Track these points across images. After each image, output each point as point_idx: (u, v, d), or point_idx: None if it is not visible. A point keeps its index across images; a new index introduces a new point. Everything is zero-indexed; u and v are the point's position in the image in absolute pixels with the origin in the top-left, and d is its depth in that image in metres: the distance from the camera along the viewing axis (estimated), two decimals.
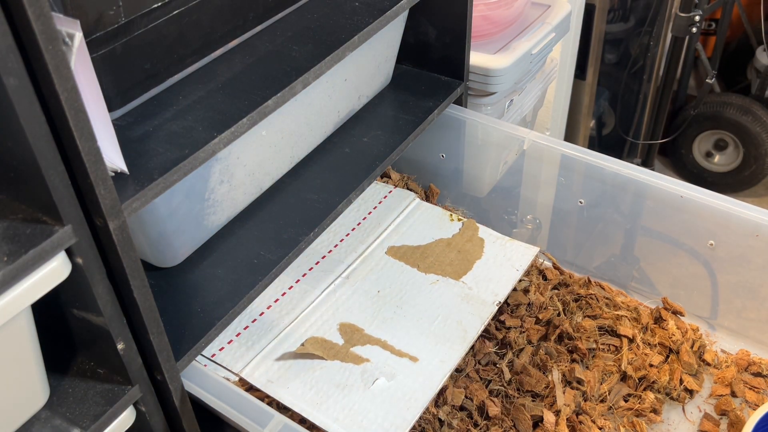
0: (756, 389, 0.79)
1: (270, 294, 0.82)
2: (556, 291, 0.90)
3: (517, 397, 0.76)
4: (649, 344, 0.83)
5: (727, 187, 2.05)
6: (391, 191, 0.98)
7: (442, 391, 0.76)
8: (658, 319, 0.86)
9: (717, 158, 2.08)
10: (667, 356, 0.82)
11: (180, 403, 0.62)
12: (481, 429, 0.74)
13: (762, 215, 0.76)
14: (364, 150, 0.84)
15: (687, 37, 1.74)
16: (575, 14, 1.39)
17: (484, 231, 0.92)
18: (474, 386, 0.77)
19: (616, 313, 0.86)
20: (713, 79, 1.90)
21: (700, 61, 1.92)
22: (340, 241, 0.90)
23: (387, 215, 0.94)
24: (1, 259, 0.44)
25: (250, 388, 0.73)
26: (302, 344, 0.76)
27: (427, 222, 0.94)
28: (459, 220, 0.94)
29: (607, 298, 0.89)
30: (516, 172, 0.94)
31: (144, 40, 0.58)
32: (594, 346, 0.82)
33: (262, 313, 0.80)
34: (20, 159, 0.44)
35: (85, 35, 0.51)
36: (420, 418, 0.73)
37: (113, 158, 0.50)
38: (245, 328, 0.78)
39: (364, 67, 0.85)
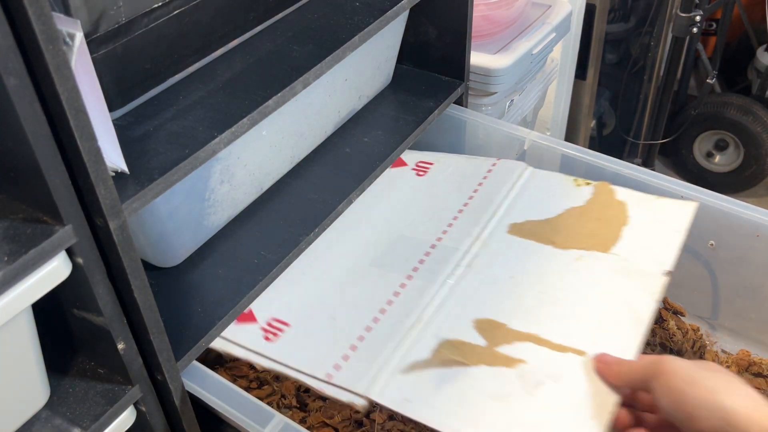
0: (757, 389, 0.79)
1: (380, 295, 0.71)
2: None
3: None
4: (650, 344, 0.83)
5: (728, 188, 2.05)
6: (495, 164, 0.85)
7: None
8: (659, 319, 0.86)
9: (717, 158, 2.08)
10: None
11: (180, 403, 0.62)
12: None
13: (763, 215, 0.76)
14: (365, 150, 0.84)
15: (687, 38, 1.74)
16: (576, 14, 1.39)
17: (622, 192, 0.77)
18: None
19: None
20: (714, 79, 1.90)
21: (701, 62, 1.92)
22: (448, 226, 0.78)
23: (497, 190, 0.81)
24: (2, 259, 0.44)
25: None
26: (436, 350, 0.63)
27: (548, 191, 0.80)
28: (587, 184, 0.80)
29: None
30: None
31: (144, 40, 0.58)
32: None
33: (377, 319, 0.68)
34: (20, 159, 0.44)
35: (86, 35, 0.51)
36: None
37: (113, 158, 0.50)
38: (360, 339, 0.66)
39: (364, 67, 0.85)
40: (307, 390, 0.78)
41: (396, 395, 0.60)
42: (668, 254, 0.69)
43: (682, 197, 0.80)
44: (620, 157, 0.84)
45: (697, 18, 1.69)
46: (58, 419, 0.56)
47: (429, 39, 0.93)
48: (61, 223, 0.46)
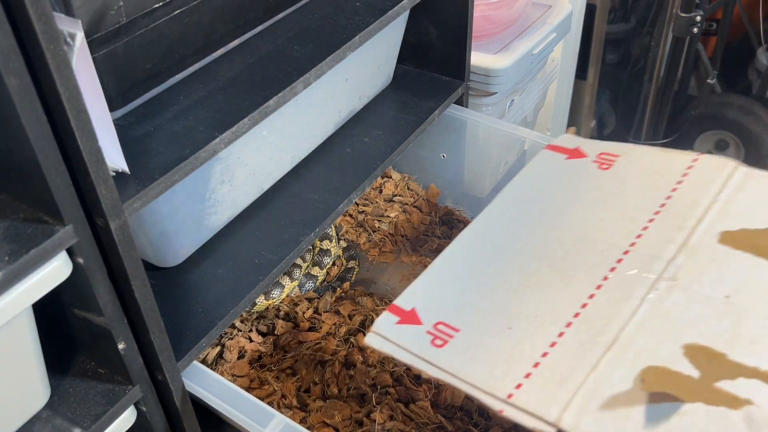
0: None
1: (564, 305, 0.62)
2: None
3: None
4: None
5: None
6: (696, 159, 0.75)
7: (439, 391, 0.76)
8: None
9: None
10: None
11: (181, 403, 0.62)
12: (481, 429, 0.74)
13: None
14: (365, 150, 0.84)
15: (688, 38, 1.74)
16: (576, 14, 1.39)
17: None
18: None
19: None
20: (714, 79, 1.90)
21: (701, 62, 1.92)
22: (643, 229, 0.68)
23: (703, 191, 0.71)
24: (3, 259, 0.44)
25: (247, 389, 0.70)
26: (641, 379, 0.54)
27: (766, 195, 0.70)
28: None
29: None
30: (517, 172, 0.94)
31: (145, 40, 0.58)
32: None
33: (561, 333, 0.59)
34: (22, 159, 0.44)
35: (87, 35, 0.51)
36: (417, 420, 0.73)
37: (114, 158, 0.50)
38: (543, 356, 0.57)
39: (365, 67, 0.85)
40: (308, 390, 0.77)
41: (593, 429, 0.52)
42: None
43: None
44: None
45: (698, 18, 1.69)
46: (59, 419, 0.56)
47: (429, 39, 0.93)
48: (61, 223, 0.46)
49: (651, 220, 0.68)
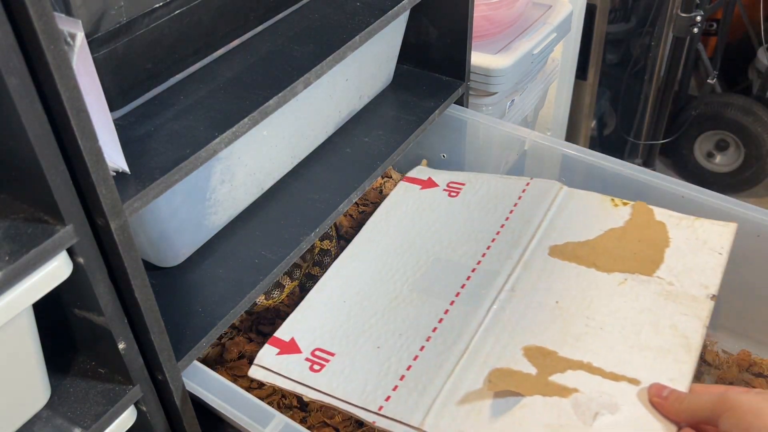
0: (757, 389, 0.79)
1: (424, 321, 0.70)
2: None
3: None
4: None
5: (729, 188, 2.05)
6: (528, 183, 0.84)
7: None
8: None
9: (718, 159, 2.08)
10: None
11: (181, 402, 0.62)
12: None
13: (763, 216, 0.76)
14: (366, 150, 0.84)
15: (688, 38, 1.74)
16: (576, 14, 1.39)
17: (660, 212, 0.77)
18: None
19: None
20: (714, 79, 1.90)
21: (701, 62, 1.92)
22: (487, 248, 0.77)
23: (534, 211, 0.80)
24: (3, 259, 0.44)
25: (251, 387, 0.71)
26: (488, 380, 0.63)
27: (586, 211, 0.79)
28: (624, 204, 0.79)
29: None
30: (517, 173, 0.94)
31: (145, 39, 0.58)
32: None
33: (422, 347, 0.67)
34: (22, 158, 0.44)
35: (87, 35, 0.51)
36: None
37: (114, 158, 0.50)
38: (408, 369, 0.65)
39: (365, 67, 0.85)
40: None
41: (451, 427, 0.59)
42: (712, 278, 0.69)
43: (682, 197, 0.80)
44: (621, 158, 0.84)
45: (698, 18, 1.69)
46: (59, 419, 0.56)
47: (430, 39, 0.93)
48: (62, 222, 0.46)
49: (493, 240, 0.78)
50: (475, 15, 0.91)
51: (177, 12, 0.60)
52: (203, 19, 0.63)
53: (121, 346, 0.55)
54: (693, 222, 0.76)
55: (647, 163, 2.02)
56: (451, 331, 0.68)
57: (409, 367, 0.65)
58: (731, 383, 0.79)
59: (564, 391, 0.60)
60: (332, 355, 0.69)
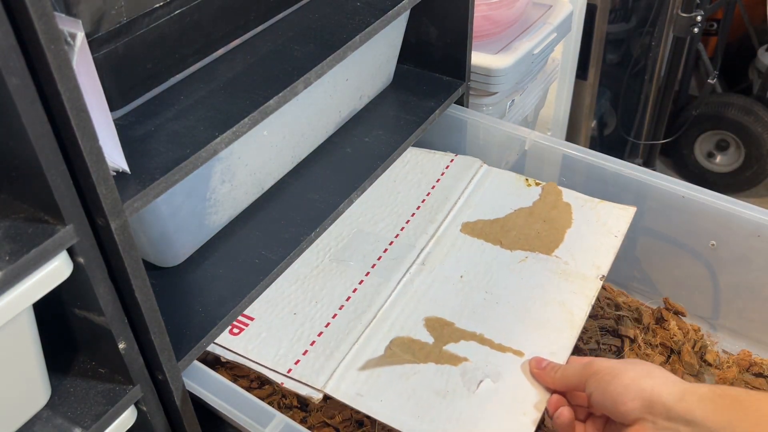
0: (757, 390, 0.79)
1: (339, 291, 0.74)
2: None
3: None
4: (651, 344, 0.83)
5: (729, 188, 2.05)
6: (452, 160, 0.89)
7: None
8: (660, 320, 0.86)
9: (718, 159, 2.08)
10: (669, 357, 0.82)
11: (181, 402, 0.62)
12: None
13: (764, 216, 0.76)
14: (366, 150, 0.84)
15: (688, 38, 1.74)
16: (577, 14, 1.39)
17: (569, 194, 0.82)
18: None
19: (618, 313, 0.86)
20: (715, 79, 1.90)
21: (702, 62, 1.92)
22: (406, 222, 0.81)
23: (453, 187, 0.84)
24: (3, 259, 0.44)
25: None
26: (388, 347, 0.68)
27: (501, 190, 0.84)
28: (537, 184, 0.84)
29: (608, 299, 0.89)
30: (517, 172, 0.94)
31: (146, 39, 0.58)
32: (595, 346, 0.82)
33: (335, 315, 0.71)
34: (22, 158, 0.44)
35: (87, 35, 0.51)
36: None
37: (115, 158, 0.50)
38: (319, 335, 0.69)
39: (365, 67, 0.85)
40: None
41: (350, 390, 0.64)
42: (605, 259, 0.74)
43: (683, 197, 0.80)
44: (621, 158, 0.84)
45: (698, 18, 1.69)
46: (59, 419, 0.56)
47: (430, 39, 0.93)
48: (62, 222, 0.46)
49: (413, 215, 0.82)
50: (475, 15, 0.91)
51: (177, 12, 0.60)
52: (203, 19, 0.63)
53: (121, 346, 0.55)
54: (597, 204, 0.81)
55: (647, 163, 2.02)
56: (362, 301, 0.72)
57: (320, 334, 0.69)
58: (732, 384, 0.79)
59: (455, 360, 0.66)
60: (251, 319, 0.73)
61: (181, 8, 0.60)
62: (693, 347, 0.82)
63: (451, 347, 0.67)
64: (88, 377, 0.59)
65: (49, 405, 0.57)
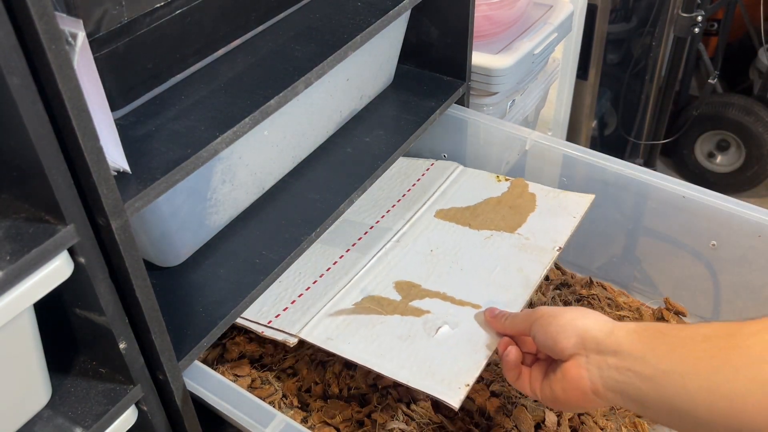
0: None
1: (321, 264, 0.82)
2: (558, 291, 0.90)
3: (519, 398, 0.76)
4: None
5: (730, 188, 2.05)
6: (433, 164, 0.98)
7: None
8: (660, 320, 0.86)
9: (719, 159, 2.08)
10: None
11: (182, 402, 0.62)
12: (482, 429, 0.74)
13: (764, 216, 0.76)
14: (366, 150, 0.84)
15: (689, 38, 1.74)
16: (577, 14, 1.38)
17: (534, 186, 0.89)
18: (475, 386, 0.77)
19: (618, 313, 0.86)
20: (715, 79, 1.89)
21: (702, 62, 1.92)
22: (386, 212, 0.89)
23: (431, 184, 0.93)
24: (4, 258, 0.44)
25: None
26: (359, 302, 0.76)
27: (474, 184, 0.92)
28: (506, 180, 0.92)
29: (609, 299, 0.89)
30: (518, 172, 0.94)
31: (146, 39, 0.58)
32: None
33: (315, 281, 0.80)
34: (23, 158, 0.44)
35: (88, 35, 0.51)
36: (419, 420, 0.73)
37: (116, 157, 0.50)
38: (300, 296, 0.77)
39: (366, 67, 0.85)
40: (309, 390, 0.78)
41: (322, 335, 0.72)
42: (562, 235, 0.81)
43: (683, 197, 0.80)
44: (622, 158, 0.84)
45: (699, 18, 1.69)
46: (60, 418, 0.56)
47: (431, 39, 0.93)
48: (63, 222, 0.46)
49: (393, 206, 0.91)
50: (475, 15, 0.91)
51: (178, 12, 0.60)
52: (204, 19, 0.63)
53: (122, 345, 0.55)
54: (559, 194, 0.87)
55: (648, 163, 2.02)
56: (340, 270, 0.81)
57: (300, 295, 0.78)
58: None
59: (418, 312, 0.73)
60: None
61: (182, 8, 0.60)
62: None
63: (415, 303, 0.75)
64: (88, 377, 0.59)
65: (50, 405, 0.57)
